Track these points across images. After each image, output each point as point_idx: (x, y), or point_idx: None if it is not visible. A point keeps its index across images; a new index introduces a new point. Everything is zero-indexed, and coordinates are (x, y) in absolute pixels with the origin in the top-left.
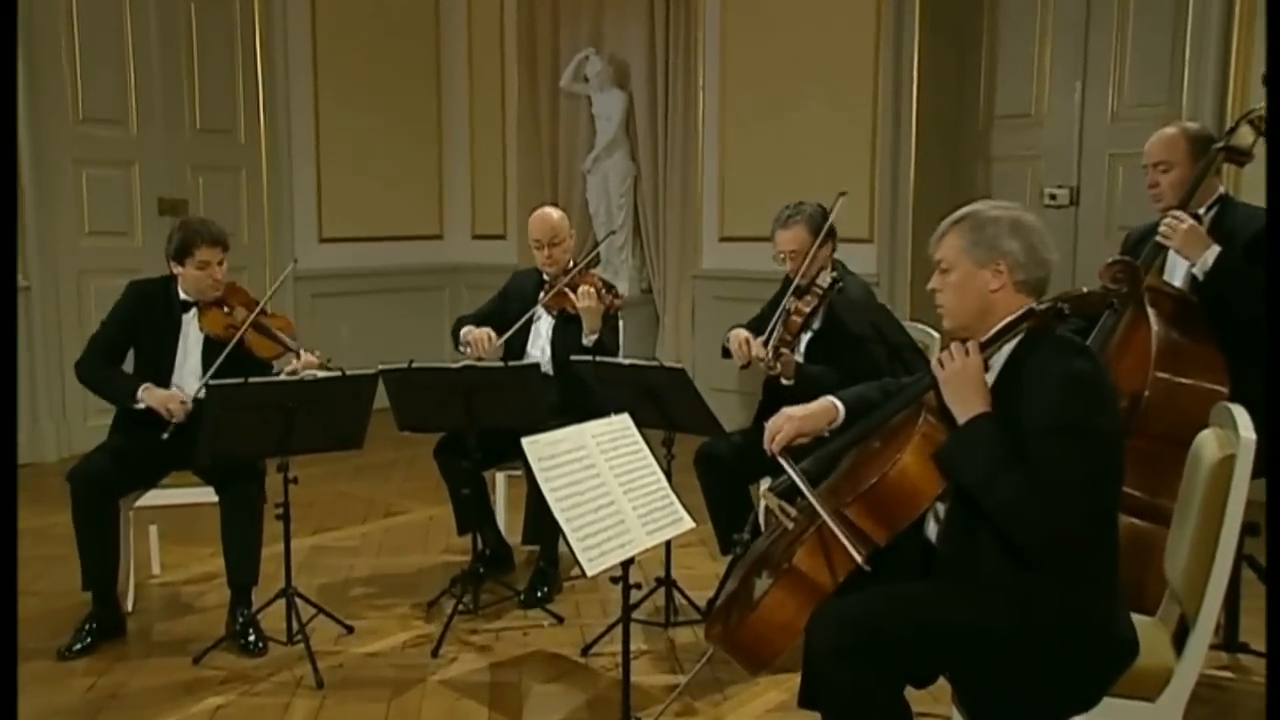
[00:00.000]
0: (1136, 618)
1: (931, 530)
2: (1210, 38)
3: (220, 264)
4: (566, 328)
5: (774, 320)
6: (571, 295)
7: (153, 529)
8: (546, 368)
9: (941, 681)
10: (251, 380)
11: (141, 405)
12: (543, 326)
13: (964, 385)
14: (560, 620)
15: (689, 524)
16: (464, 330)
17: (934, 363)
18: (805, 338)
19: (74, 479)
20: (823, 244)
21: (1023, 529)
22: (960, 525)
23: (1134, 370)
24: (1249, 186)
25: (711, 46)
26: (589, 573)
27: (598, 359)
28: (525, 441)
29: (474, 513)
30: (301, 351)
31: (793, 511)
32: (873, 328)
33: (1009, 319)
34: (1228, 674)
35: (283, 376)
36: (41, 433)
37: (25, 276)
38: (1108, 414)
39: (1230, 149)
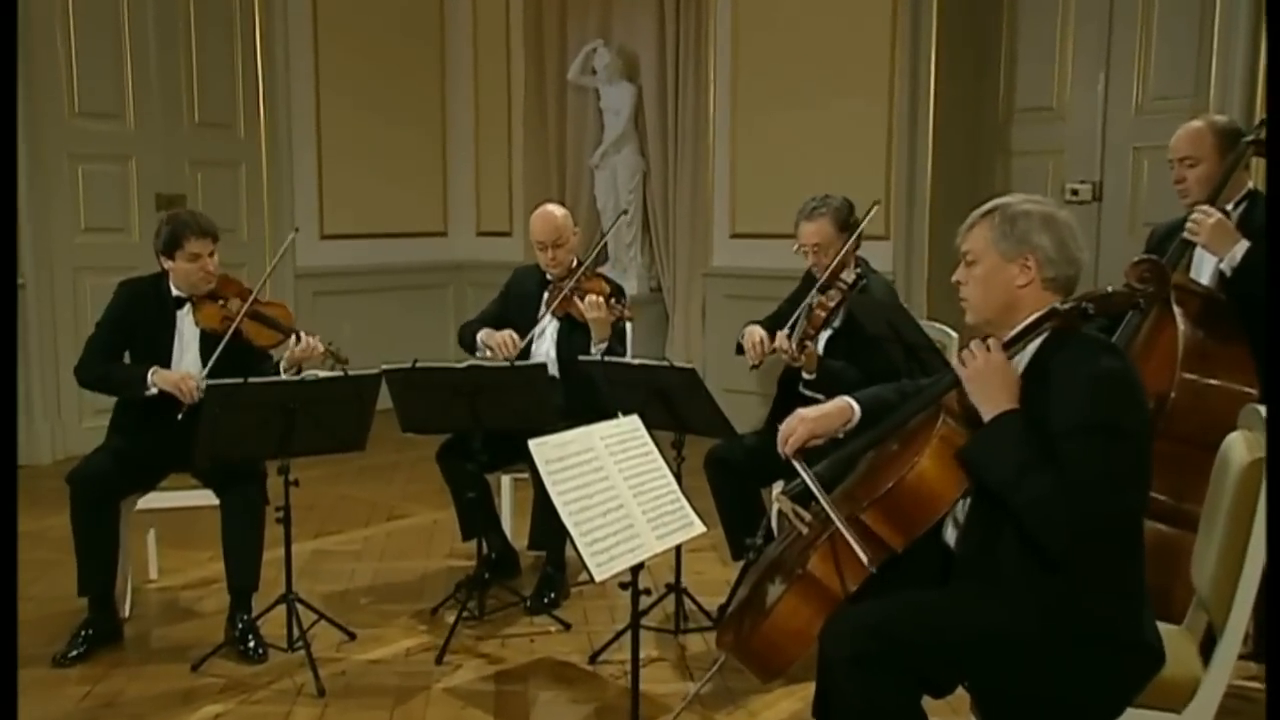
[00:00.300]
0: (1162, 626)
1: (950, 535)
2: (1239, 28)
3: (211, 255)
4: (572, 332)
5: (798, 313)
6: (579, 304)
7: (150, 532)
8: (552, 370)
9: (960, 691)
10: (251, 380)
11: (154, 391)
12: (548, 329)
13: (989, 381)
14: (567, 627)
15: (700, 528)
16: (483, 334)
17: (955, 361)
18: (825, 334)
19: (74, 481)
20: (850, 240)
21: (1051, 529)
22: (980, 525)
23: (1159, 371)
24: None
25: (723, 37)
26: (597, 578)
27: (606, 359)
28: (532, 444)
29: (479, 517)
30: (302, 334)
31: (806, 516)
32: (889, 327)
33: (1032, 318)
34: (1256, 685)
35: (285, 368)
36: (36, 434)
37: (20, 274)
38: (1139, 413)
39: (1259, 142)
